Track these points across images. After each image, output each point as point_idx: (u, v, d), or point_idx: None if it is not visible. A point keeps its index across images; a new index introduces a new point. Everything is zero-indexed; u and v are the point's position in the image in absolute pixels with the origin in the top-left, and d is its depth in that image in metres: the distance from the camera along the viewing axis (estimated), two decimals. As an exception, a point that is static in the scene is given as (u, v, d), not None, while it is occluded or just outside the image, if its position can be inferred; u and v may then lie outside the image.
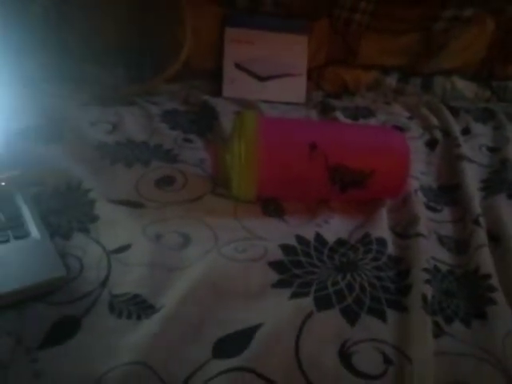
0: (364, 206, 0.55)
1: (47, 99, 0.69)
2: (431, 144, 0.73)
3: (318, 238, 0.48)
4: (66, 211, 0.49)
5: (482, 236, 0.51)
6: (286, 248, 0.46)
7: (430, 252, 0.48)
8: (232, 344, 0.36)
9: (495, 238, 0.52)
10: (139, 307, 0.39)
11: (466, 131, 0.78)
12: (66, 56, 0.76)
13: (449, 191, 0.62)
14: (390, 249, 0.48)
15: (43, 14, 0.74)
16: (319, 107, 0.82)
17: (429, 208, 0.57)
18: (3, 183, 0.49)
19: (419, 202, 0.55)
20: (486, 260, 0.47)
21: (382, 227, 0.51)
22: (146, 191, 0.53)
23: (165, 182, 0.55)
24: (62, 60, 0.76)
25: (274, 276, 0.43)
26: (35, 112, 0.65)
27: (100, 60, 0.79)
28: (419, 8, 0.87)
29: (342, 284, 0.42)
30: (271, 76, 0.86)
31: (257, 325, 0.38)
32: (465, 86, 0.97)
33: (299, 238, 0.47)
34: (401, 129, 0.76)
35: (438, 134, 0.75)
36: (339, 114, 0.76)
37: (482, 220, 0.53)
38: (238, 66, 0.84)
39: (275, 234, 0.48)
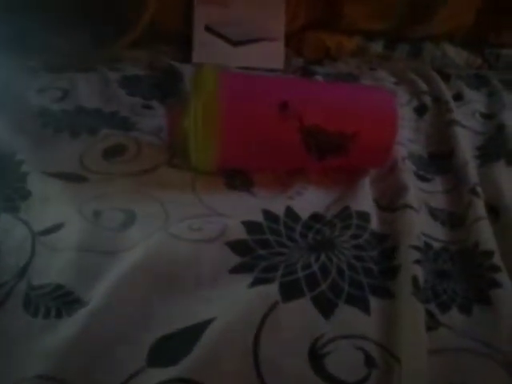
0: (344, 175, 0.46)
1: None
2: (420, 110, 0.64)
3: (289, 212, 0.39)
4: (-5, 187, 0.39)
5: (480, 207, 0.42)
6: (249, 225, 0.37)
7: (421, 227, 0.40)
8: (173, 347, 0.28)
9: (494, 210, 0.44)
10: (61, 301, 0.30)
11: (458, 97, 0.69)
12: (22, 25, 0.66)
13: (440, 159, 0.53)
14: (374, 224, 0.40)
15: None
16: (299, 73, 0.72)
17: (418, 177, 0.48)
18: None
19: (407, 170, 0.47)
20: (486, 234, 0.38)
21: (364, 199, 0.42)
22: (91, 163, 0.44)
23: (114, 151, 0.45)
24: (14, 27, 0.65)
25: (232, 259, 0.34)
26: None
27: (58, 26, 0.68)
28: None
29: (314, 267, 0.33)
30: (246, 40, 0.75)
31: (207, 320, 0.29)
32: (455, 53, 0.87)
33: (267, 213, 0.38)
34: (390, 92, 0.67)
35: (427, 100, 0.66)
36: (320, 79, 0.67)
37: (479, 189, 0.45)
38: (208, 29, 0.74)
39: (239, 210, 0.39)
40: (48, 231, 0.35)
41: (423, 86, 0.70)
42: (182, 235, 0.35)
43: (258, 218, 0.38)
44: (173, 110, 0.44)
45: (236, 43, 0.75)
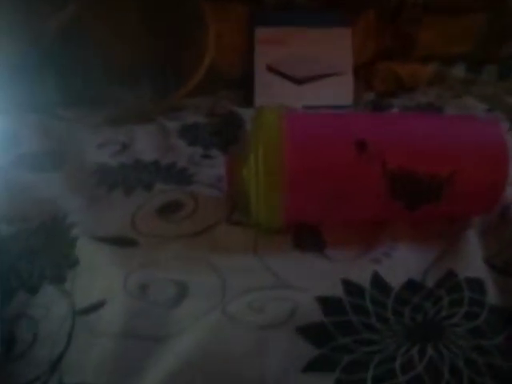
0: (442, 227, 0.36)
1: (57, 123, 0.58)
2: (525, 139, 0.53)
3: (377, 281, 0.30)
4: (43, 253, 0.35)
5: None
6: (326, 302, 0.28)
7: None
8: None
9: None
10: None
11: None
12: (84, 78, 0.66)
13: None
14: (491, 295, 0.29)
15: (60, 34, 0.64)
16: (370, 108, 0.64)
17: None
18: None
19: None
20: None
21: (473, 260, 0.32)
22: (143, 223, 0.38)
23: (169, 209, 0.40)
24: (79, 82, 0.66)
25: (306, 351, 0.26)
26: (40, 138, 0.54)
27: (121, 79, 0.67)
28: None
29: (419, 366, 0.24)
30: (310, 77, 0.69)
31: None
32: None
33: (347, 284, 0.30)
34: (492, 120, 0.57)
35: (533, 126, 0.55)
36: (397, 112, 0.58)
37: None
38: (270, 68, 0.69)
39: (311, 279, 0.31)
40: (90, 309, 0.30)
41: (524, 111, 0.58)
42: (242, 317, 0.28)
43: (337, 291, 0.29)
44: (232, 159, 0.38)
45: (300, 81, 0.69)
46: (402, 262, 0.33)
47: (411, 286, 0.31)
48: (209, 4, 0.67)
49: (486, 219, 0.37)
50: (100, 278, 0.32)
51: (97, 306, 0.30)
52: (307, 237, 0.36)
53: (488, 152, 0.34)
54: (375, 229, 0.36)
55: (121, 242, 0.36)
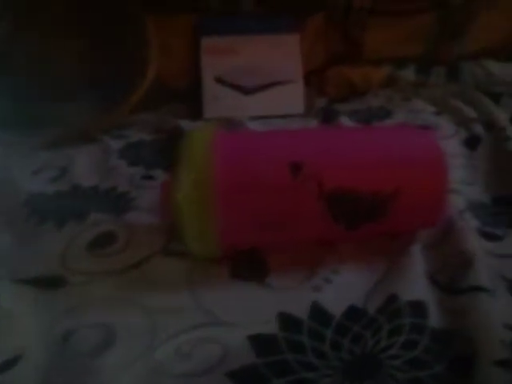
0: (387, 244, 0.35)
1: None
2: (471, 143, 0.52)
3: (316, 311, 0.29)
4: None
5: None
6: (259, 340, 0.26)
7: (503, 317, 0.28)
8: None
9: None
10: None
11: (514, 119, 0.56)
12: (20, 97, 0.62)
13: (509, 205, 0.41)
14: (433, 317, 0.28)
15: None
16: (321, 115, 0.63)
17: (485, 236, 0.37)
18: None
19: (469, 228, 0.35)
20: None
21: (415, 279, 0.31)
22: (74, 259, 0.36)
23: (102, 242, 0.37)
24: (14, 102, 0.62)
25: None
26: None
27: (61, 96, 0.64)
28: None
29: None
30: (259, 87, 0.68)
31: None
32: (501, 69, 0.75)
33: (284, 318, 0.28)
34: (428, 128, 0.56)
35: (479, 129, 0.54)
36: (345, 120, 0.57)
37: None
38: (218, 80, 0.67)
39: (246, 314, 0.29)
40: (3, 367, 0.27)
41: (471, 113, 0.58)
42: (170, 364, 0.25)
43: (272, 326, 0.27)
44: (167, 183, 0.36)
45: (249, 91, 0.67)
46: (345, 287, 0.31)
47: (352, 312, 0.29)
48: (152, 15, 0.64)
49: (431, 233, 0.36)
50: (19, 328, 0.30)
51: (11, 363, 0.27)
52: (248, 265, 0.34)
53: (427, 164, 0.33)
54: (319, 250, 0.35)
55: (47, 282, 0.33)
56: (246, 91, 0.67)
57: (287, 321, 0.28)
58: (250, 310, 0.29)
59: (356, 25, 0.71)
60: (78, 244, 0.37)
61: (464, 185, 0.44)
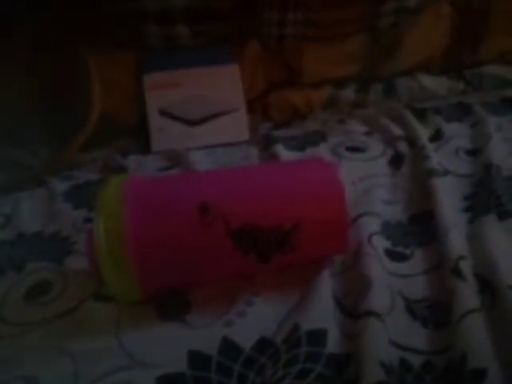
0: (299, 272, 0.38)
1: None
2: (395, 161, 0.56)
3: (226, 346, 0.31)
4: None
5: (466, 295, 0.32)
6: (167, 380, 0.29)
7: (394, 334, 0.31)
8: None
9: (487, 285, 0.34)
10: None
11: (436, 136, 0.60)
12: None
13: (422, 223, 0.44)
14: (333, 342, 0.31)
15: None
16: (261, 143, 0.66)
17: (393, 257, 0.39)
18: None
19: (373, 254, 0.38)
20: (475, 339, 0.29)
21: (319, 307, 0.33)
22: (11, 310, 0.37)
23: (38, 291, 0.39)
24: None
25: None
26: None
27: (8, 139, 0.65)
28: (356, 6, 0.71)
29: None
30: (204, 118, 0.70)
31: None
32: (433, 82, 0.79)
33: (194, 356, 0.30)
34: (358, 149, 0.59)
35: (403, 147, 0.58)
36: (280, 148, 0.60)
37: (464, 266, 0.35)
38: (163, 113, 0.69)
39: (162, 354, 0.31)
40: None
41: (397, 131, 0.62)
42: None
43: (182, 365, 0.30)
44: (90, 230, 0.38)
45: (194, 123, 0.70)
46: (257, 319, 0.34)
47: (262, 344, 0.32)
48: (94, 54, 0.66)
49: (340, 259, 0.38)
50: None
51: None
52: (171, 304, 0.36)
53: (326, 197, 0.36)
54: (238, 284, 0.37)
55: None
56: (192, 122, 0.70)
57: (196, 358, 0.30)
58: (166, 350, 0.31)
59: (291, 51, 0.74)
60: (15, 295, 0.39)
61: (384, 205, 0.47)
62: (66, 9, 0.64)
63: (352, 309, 0.34)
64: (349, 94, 0.77)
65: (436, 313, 0.33)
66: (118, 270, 0.33)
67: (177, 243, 0.33)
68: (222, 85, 0.71)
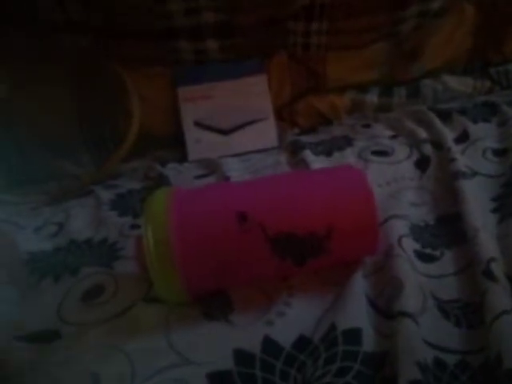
0: (334, 273, 0.39)
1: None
2: (422, 164, 0.55)
3: (268, 344, 0.32)
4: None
5: (498, 296, 0.32)
6: (215, 377, 0.30)
7: (428, 334, 0.31)
8: None
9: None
10: None
11: (463, 137, 0.59)
12: (21, 156, 0.66)
13: (450, 224, 0.44)
14: (368, 341, 0.31)
15: None
16: (289, 149, 0.67)
17: (423, 258, 0.40)
18: None
19: (403, 256, 0.38)
20: (508, 341, 0.29)
21: (354, 307, 0.34)
22: (68, 311, 0.40)
23: (92, 294, 0.41)
24: (16, 162, 0.66)
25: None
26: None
27: (57, 152, 0.68)
28: (379, 13, 0.71)
29: None
30: (236, 127, 0.72)
31: None
32: (459, 83, 0.78)
33: (239, 354, 0.32)
34: (384, 153, 0.59)
35: (429, 150, 0.57)
36: (308, 154, 0.61)
37: (495, 267, 0.35)
38: (198, 124, 0.71)
39: (209, 352, 0.33)
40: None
41: (422, 134, 0.61)
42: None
43: (228, 363, 0.31)
44: (139, 237, 0.40)
45: (227, 132, 0.72)
46: (295, 319, 0.35)
47: (301, 342, 0.32)
48: (130, 71, 0.68)
49: (372, 261, 0.39)
50: (18, 380, 0.33)
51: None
52: (216, 304, 0.37)
53: (356, 203, 0.36)
54: (275, 283, 0.38)
55: (43, 337, 0.37)
56: (224, 132, 0.72)
57: (241, 356, 0.31)
58: (213, 348, 0.33)
59: (315, 59, 0.74)
60: (73, 296, 0.41)
61: (412, 207, 0.47)
62: (103, 31, 0.66)
63: (385, 309, 0.34)
64: (372, 98, 0.77)
65: (468, 313, 0.33)
66: (166, 274, 0.34)
67: (219, 249, 0.35)
68: (252, 95, 0.73)
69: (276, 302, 0.36)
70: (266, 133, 0.72)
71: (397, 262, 0.37)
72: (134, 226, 0.52)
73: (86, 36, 0.66)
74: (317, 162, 0.58)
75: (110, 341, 0.35)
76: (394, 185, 0.51)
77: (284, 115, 0.77)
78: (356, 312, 0.33)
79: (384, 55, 0.76)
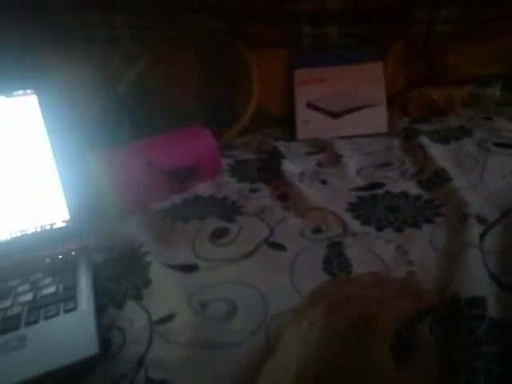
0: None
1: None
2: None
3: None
4: (126, 276, 0.44)
5: None
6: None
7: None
8: None
9: None
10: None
11: None
12: (151, 122, 0.76)
13: None
14: (492, 309, 0.32)
15: (131, 87, 0.73)
16: (402, 135, 0.68)
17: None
18: (73, 253, 0.47)
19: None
20: None
21: (476, 279, 0.35)
22: (200, 247, 0.46)
23: (218, 234, 0.48)
24: (148, 127, 0.75)
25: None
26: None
27: (181, 122, 0.77)
28: (513, 3, 0.69)
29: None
30: (347, 110, 0.75)
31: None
32: None
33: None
34: (507, 145, 0.58)
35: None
36: (424, 139, 0.62)
37: None
38: (310, 105, 0.75)
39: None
40: (163, 321, 0.37)
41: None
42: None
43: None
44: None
45: (337, 115, 0.75)
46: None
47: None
48: (252, 52, 0.74)
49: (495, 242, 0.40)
50: (169, 296, 0.40)
51: (168, 318, 0.38)
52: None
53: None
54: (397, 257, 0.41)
55: (184, 268, 0.44)
56: (334, 115, 0.75)
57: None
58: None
59: (438, 49, 0.74)
60: (201, 235, 0.48)
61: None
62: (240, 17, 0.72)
63: (510, 285, 0.35)
64: (494, 92, 0.75)
65: None
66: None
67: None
68: (366, 81, 0.75)
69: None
70: (377, 118, 0.74)
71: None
72: (252, 190, 0.57)
73: (224, 21, 0.72)
74: (433, 148, 0.59)
75: (240, 277, 0.41)
76: (518, 175, 0.51)
77: (395, 103, 0.78)
78: (478, 283, 0.35)
79: (508, 49, 0.73)
